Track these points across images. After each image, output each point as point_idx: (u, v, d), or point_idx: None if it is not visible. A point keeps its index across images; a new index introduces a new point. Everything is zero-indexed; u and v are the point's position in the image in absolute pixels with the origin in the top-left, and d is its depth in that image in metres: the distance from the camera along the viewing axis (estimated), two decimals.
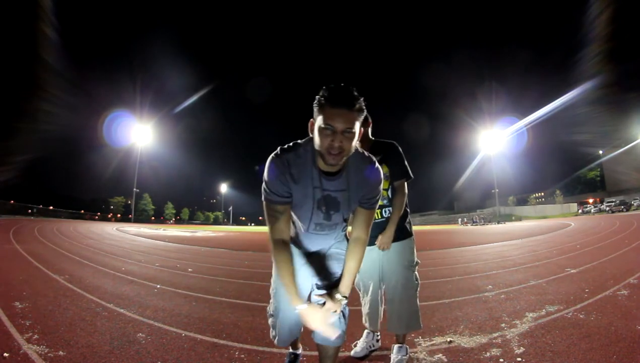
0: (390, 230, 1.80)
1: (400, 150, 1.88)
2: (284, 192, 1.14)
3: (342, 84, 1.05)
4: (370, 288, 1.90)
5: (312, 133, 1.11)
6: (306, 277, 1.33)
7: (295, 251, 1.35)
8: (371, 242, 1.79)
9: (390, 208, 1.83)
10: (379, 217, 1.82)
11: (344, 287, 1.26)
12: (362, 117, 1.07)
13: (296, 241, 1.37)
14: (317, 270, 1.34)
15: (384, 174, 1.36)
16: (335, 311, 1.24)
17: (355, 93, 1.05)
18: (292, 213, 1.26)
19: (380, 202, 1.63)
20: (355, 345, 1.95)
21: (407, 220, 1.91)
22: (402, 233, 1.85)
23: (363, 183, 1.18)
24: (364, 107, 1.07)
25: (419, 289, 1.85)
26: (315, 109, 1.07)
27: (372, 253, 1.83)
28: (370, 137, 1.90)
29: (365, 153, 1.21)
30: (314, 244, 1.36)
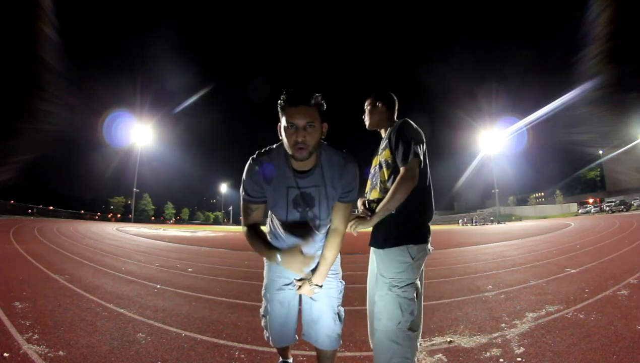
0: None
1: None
2: (255, 193, 1.23)
3: (300, 86, 1.12)
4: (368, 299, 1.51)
5: (281, 135, 1.16)
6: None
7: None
8: (372, 241, 1.48)
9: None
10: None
11: (317, 277, 1.28)
12: (323, 112, 1.14)
13: (278, 243, 1.33)
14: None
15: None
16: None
17: (312, 91, 1.11)
18: (270, 214, 1.32)
19: (376, 193, 1.44)
20: None
21: (414, 217, 1.39)
22: (394, 236, 1.37)
23: (338, 178, 1.22)
24: (322, 102, 1.13)
25: (408, 328, 1.27)
26: (279, 112, 1.13)
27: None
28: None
29: (338, 150, 1.27)
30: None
